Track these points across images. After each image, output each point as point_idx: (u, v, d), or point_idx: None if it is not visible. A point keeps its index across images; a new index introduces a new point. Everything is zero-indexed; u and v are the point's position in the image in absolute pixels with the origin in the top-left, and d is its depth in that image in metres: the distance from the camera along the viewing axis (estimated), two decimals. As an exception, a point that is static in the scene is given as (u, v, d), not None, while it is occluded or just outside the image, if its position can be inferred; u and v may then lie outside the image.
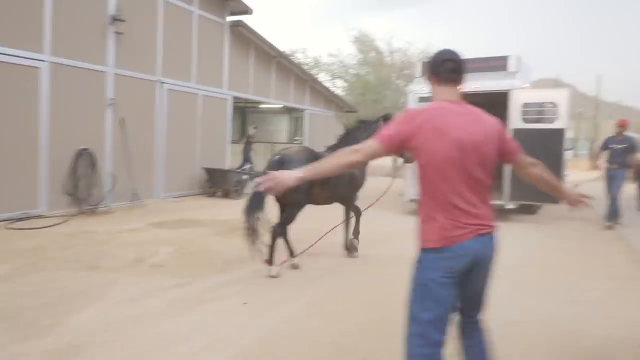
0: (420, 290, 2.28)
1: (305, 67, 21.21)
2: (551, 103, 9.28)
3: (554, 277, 5.72)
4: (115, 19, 9.82)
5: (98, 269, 5.54)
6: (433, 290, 2.23)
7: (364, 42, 26.30)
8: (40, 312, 4.16)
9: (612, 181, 9.14)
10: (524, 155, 2.50)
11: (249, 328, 3.98)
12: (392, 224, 8.98)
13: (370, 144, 2.33)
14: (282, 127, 21.62)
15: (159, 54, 11.17)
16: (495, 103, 10.01)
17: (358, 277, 5.53)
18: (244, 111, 21.17)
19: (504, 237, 8.24)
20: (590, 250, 7.23)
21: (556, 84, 47.94)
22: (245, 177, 12.52)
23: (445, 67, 2.37)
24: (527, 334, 3.93)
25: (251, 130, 16.12)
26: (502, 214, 10.07)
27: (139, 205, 10.17)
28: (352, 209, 6.38)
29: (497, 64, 9.91)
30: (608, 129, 33.92)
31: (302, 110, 18.52)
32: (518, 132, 9.23)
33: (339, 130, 22.57)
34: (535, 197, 9.48)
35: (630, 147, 9.10)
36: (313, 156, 5.55)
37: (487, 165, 2.31)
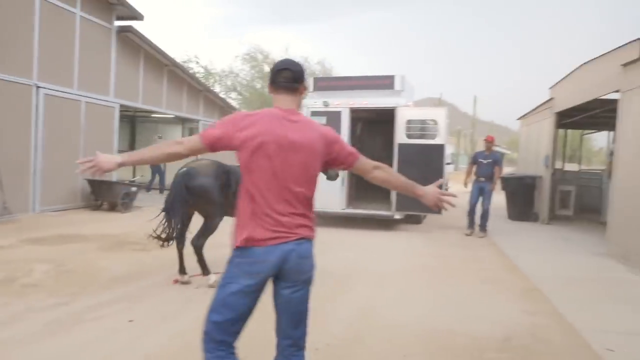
0: (217, 292, 2.30)
1: (199, 77, 20.81)
2: (432, 120, 10.05)
3: (433, 281, 6.17)
4: (-17, 16, 8.92)
5: (-42, 292, 4.95)
6: (225, 293, 2.26)
7: (255, 58, 26.50)
8: None
9: (481, 193, 9.98)
10: (364, 160, 2.50)
11: (135, 347, 3.80)
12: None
13: (192, 138, 2.36)
14: (175, 138, 20.90)
15: (35, 56, 10.31)
16: (385, 120, 10.65)
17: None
18: (133, 120, 20.17)
19: (391, 245, 8.73)
20: (466, 256, 7.90)
21: (439, 103, 51.73)
22: (134, 189, 11.91)
23: (281, 76, 2.40)
24: (407, 336, 4.20)
25: (157, 140, 15.41)
26: (390, 224, 10.67)
27: (10, 220, 9.22)
28: None
29: (384, 83, 10.51)
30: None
31: (196, 121, 18.10)
32: (402, 147, 9.92)
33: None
34: (419, 208, 10.19)
35: (496, 162, 10.06)
36: (222, 170, 5.46)
37: (305, 174, 2.31)
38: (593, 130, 17.11)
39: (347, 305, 5.03)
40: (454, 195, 2.61)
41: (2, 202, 9.28)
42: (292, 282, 2.31)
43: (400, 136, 9.96)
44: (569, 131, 17.78)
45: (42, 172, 10.54)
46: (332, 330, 4.26)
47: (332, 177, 6.04)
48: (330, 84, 11.33)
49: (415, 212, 10.38)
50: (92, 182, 11.48)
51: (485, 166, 9.99)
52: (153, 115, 18.71)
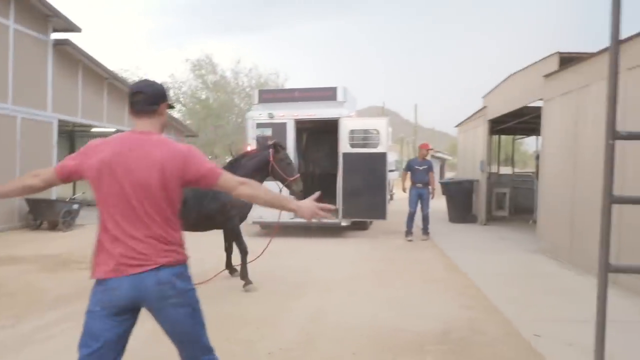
0: (84, 323, 2.25)
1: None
2: (374, 130, 10.45)
3: (380, 284, 6.45)
4: None
5: None
6: (89, 324, 2.21)
7: (203, 66, 26.24)
8: None
9: (420, 198, 10.27)
10: (227, 177, 2.38)
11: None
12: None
13: (48, 171, 2.38)
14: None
15: (-34, 70, 9.89)
16: (330, 130, 10.95)
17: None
18: (72, 135, 19.49)
19: (340, 251, 9.01)
20: (410, 258, 8.27)
21: (382, 111, 52.98)
22: (75, 206, 11.57)
23: (135, 100, 2.37)
24: (356, 336, 4.43)
25: None
26: (339, 231, 10.95)
27: (-59, 244, 8.76)
28: (231, 237, 6.45)
29: (327, 94, 10.84)
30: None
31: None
32: (347, 156, 10.25)
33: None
34: (364, 214, 10.55)
35: (430, 168, 10.47)
36: None
37: (160, 194, 2.25)
38: (524, 136, 18.22)
39: (300, 311, 5.20)
40: (332, 207, 2.56)
41: None
42: (159, 308, 2.25)
43: (344, 146, 10.28)
44: (503, 137, 18.84)
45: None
46: (286, 335, 4.42)
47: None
48: (275, 96, 11.54)
49: (361, 218, 10.72)
50: (30, 201, 11.07)
51: (420, 172, 10.33)
52: (93, 129, 18.19)
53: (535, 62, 9.34)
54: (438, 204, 16.20)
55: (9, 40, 11.06)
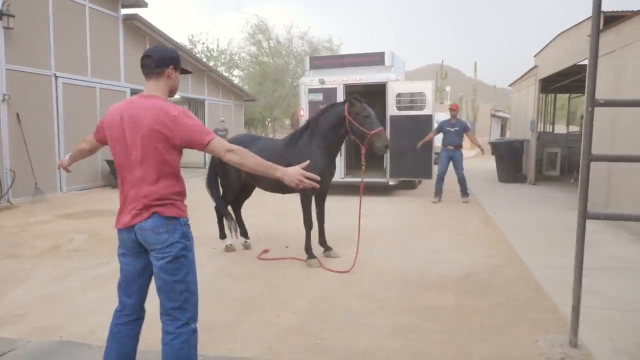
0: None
1: (202, 57, 21.49)
2: (420, 92, 10.84)
3: (415, 235, 7.13)
4: (3, 14, 9.74)
5: (18, 256, 5.98)
6: (120, 260, 2.69)
7: (262, 31, 26.76)
8: (-27, 294, 4.65)
9: (450, 161, 10.39)
10: (215, 145, 2.49)
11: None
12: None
13: (90, 136, 2.92)
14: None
15: (52, 48, 11.16)
16: (379, 93, 11.44)
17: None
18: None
19: (385, 209, 9.72)
20: (451, 215, 8.83)
21: (441, 69, 51.64)
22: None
23: (143, 63, 2.60)
24: (388, 277, 5.18)
25: (220, 123, 16.26)
26: (388, 190, 11.60)
27: (42, 200, 10.26)
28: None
29: (375, 59, 11.28)
30: (485, 111, 37.05)
31: (202, 101, 18.90)
32: (394, 119, 10.75)
33: (240, 118, 22.84)
34: (410, 173, 11.11)
35: (464, 129, 10.56)
36: (239, 141, 5.88)
37: (148, 158, 2.47)
38: (579, 94, 17.75)
39: (344, 258, 5.99)
40: (316, 177, 2.62)
41: (34, 184, 10.30)
42: (151, 252, 2.54)
43: (392, 108, 10.79)
44: (559, 95, 18.41)
45: (65, 154, 11.49)
46: (330, 278, 5.24)
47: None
48: (325, 62, 12.10)
49: (407, 177, 11.29)
50: (110, 163, 12.47)
51: (452, 134, 10.41)
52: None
53: (583, 21, 9.33)
54: (487, 164, 16.36)
55: (85, 18, 12.25)
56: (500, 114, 39.22)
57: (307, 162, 2.79)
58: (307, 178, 2.58)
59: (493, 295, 4.58)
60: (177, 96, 17.68)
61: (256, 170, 2.56)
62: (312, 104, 11.30)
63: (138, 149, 2.47)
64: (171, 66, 2.60)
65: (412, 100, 10.86)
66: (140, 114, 2.47)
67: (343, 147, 11.26)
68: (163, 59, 2.58)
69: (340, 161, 11.20)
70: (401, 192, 11.60)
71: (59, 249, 6.36)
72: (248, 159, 2.54)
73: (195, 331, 2.56)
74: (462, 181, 10.47)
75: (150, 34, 14.76)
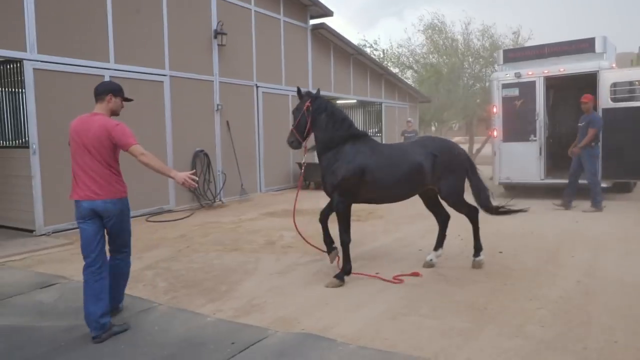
0: None
1: (378, 60, 21.73)
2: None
3: (623, 245, 6.06)
4: (218, 33, 10.94)
5: (240, 250, 6.54)
6: (80, 227, 3.80)
7: (439, 30, 25.97)
8: (214, 282, 5.15)
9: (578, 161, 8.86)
10: (134, 149, 3.72)
11: (389, 291, 4.72)
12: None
13: None
14: (356, 120, 22.27)
15: (254, 61, 12.24)
16: (580, 85, 10.18)
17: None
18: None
19: (599, 215, 8.36)
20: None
21: (637, 58, 44.87)
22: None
23: (94, 92, 3.90)
24: (633, 291, 4.41)
25: (407, 123, 17.61)
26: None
27: (246, 199, 11.28)
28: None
29: (583, 46, 10.05)
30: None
31: (379, 104, 19.07)
32: (607, 112, 9.42)
33: (415, 121, 22.54)
34: (628, 174, 9.62)
35: (589, 123, 8.72)
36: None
37: (97, 155, 3.70)
38: None
39: (574, 267, 5.32)
40: (195, 177, 3.94)
41: (240, 184, 11.38)
42: (106, 220, 3.84)
43: (605, 100, 9.46)
44: None
45: (264, 158, 12.56)
46: (563, 285, 4.67)
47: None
48: (521, 54, 11.18)
49: (624, 179, 9.81)
50: (300, 165, 13.21)
51: (581, 130, 8.82)
52: (338, 101, 20.26)
53: None
54: None
55: (280, 31, 13.20)
56: None
57: (194, 170, 3.84)
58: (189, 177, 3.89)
59: None
60: (352, 100, 18.07)
61: (159, 170, 3.85)
62: (506, 100, 10.51)
63: (89, 149, 3.78)
64: (109, 94, 3.87)
65: (631, 90, 9.41)
66: (91, 126, 3.75)
67: (543, 147, 10.28)
68: (104, 90, 3.89)
69: (538, 161, 10.22)
70: (615, 196, 10.09)
71: (274, 245, 6.81)
72: (154, 162, 3.79)
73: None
74: (591, 187, 8.79)
75: (334, 42, 15.34)
